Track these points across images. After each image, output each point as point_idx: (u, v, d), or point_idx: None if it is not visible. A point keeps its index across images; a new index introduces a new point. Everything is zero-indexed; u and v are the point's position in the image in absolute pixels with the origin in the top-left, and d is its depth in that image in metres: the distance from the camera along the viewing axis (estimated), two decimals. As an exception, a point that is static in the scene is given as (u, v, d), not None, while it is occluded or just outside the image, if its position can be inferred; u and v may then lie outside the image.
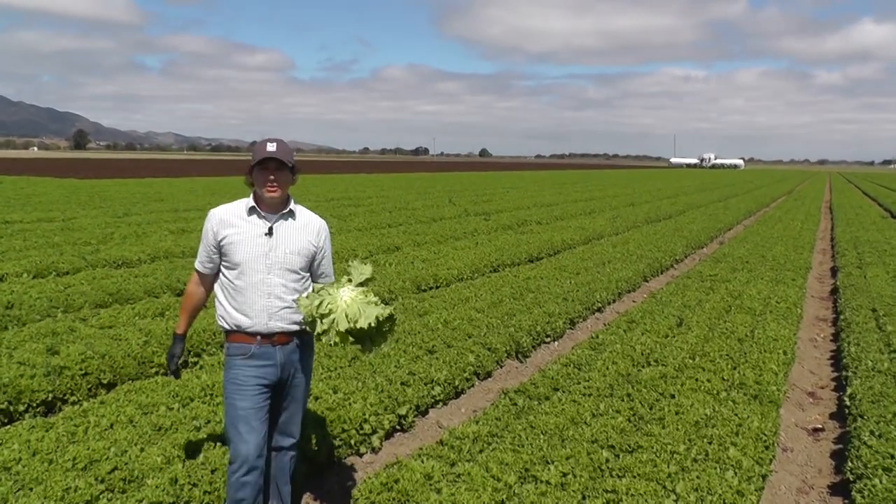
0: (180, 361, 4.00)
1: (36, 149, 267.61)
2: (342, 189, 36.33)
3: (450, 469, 4.57)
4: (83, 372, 6.18)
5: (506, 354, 7.56)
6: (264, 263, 3.69)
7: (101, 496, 4.10)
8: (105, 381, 6.30)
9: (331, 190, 34.84)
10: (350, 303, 3.48)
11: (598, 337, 8.03)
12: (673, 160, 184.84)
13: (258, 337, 3.71)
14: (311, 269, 3.91)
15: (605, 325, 9.18)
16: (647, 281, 12.74)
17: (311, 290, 3.76)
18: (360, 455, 5.30)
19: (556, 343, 8.56)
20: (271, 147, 3.62)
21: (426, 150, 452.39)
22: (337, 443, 5.14)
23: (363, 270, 3.66)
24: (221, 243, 3.70)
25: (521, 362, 7.74)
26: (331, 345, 3.49)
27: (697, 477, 4.50)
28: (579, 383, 6.36)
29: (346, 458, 5.20)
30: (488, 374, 7.18)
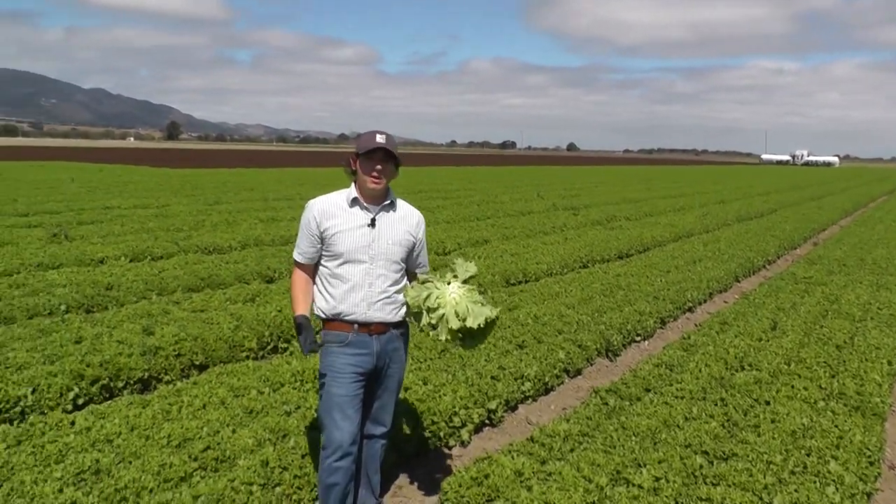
0: (317, 343, 3.75)
1: (132, 139, 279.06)
2: (429, 181, 36.52)
3: (540, 467, 4.49)
4: (177, 353, 6.36)
5: (596, 352, 7.42)
6: (367, 254, 3.68)
7: (194, 473, 4.20)
8: (197, 363, 6.47)
9: (419, 182, 35.04)
10: (459, 300, 3.49)
11: (689, 338, 7.79)
12: (764, 156, 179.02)
13: (355, 325, 3.71)
14: (409, 260, 3.90)
15: (696, 325, 8.92)
16: (738, 281, 12.35)
17: (415, 280, 3.76)
18: (449, 448, 5.27)
19: (647, 342, 8.36)
20: (381, 138, 3.62)
21: (513, 144, 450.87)
22: (426, 434, 5.14)
23: (468, 268, 3.66)
24: (324, 234, 3.69)
25: (612, 361, 7.58)
26: (439, 339, 3.49)
27: (796, 490, 4.27)
28: (671, 385, 6.17)
29: (434, 449, 5.19)
30: (578, 372, 7.07)
